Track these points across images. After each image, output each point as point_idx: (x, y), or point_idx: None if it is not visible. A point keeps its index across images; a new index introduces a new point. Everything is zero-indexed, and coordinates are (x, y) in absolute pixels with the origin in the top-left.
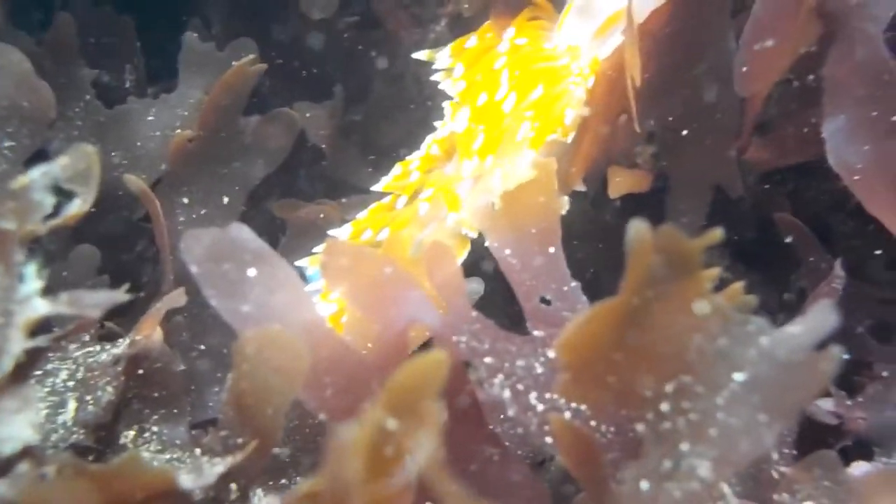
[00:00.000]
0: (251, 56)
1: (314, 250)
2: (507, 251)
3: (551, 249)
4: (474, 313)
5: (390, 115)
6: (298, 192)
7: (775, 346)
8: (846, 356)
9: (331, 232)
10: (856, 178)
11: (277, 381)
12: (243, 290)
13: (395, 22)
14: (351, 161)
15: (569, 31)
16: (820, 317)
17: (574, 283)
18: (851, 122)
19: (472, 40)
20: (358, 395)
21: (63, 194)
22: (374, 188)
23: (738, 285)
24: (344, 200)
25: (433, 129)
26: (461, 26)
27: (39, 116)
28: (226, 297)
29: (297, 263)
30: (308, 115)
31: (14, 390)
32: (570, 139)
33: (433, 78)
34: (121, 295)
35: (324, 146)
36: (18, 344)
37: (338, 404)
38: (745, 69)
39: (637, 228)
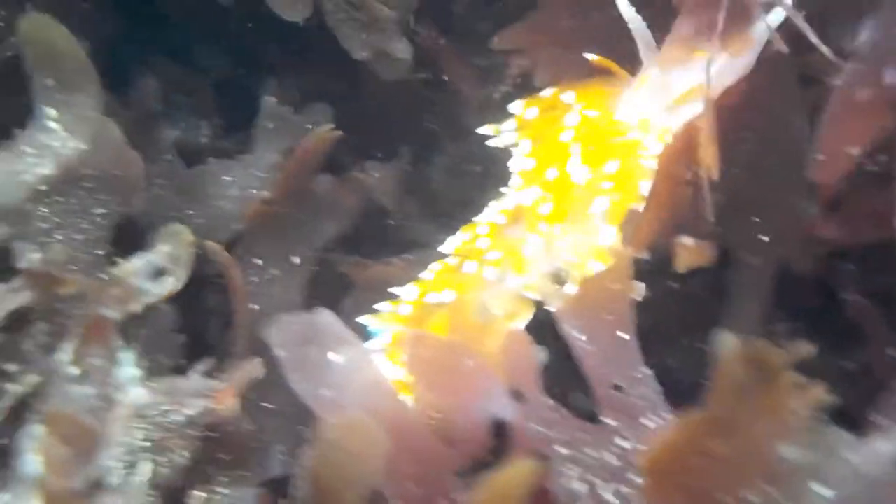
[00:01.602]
0: (328, 126)
1: (376, 307)
2: (581, 337)
3: (625, 336)
4: (549, 402)
5: (456, 174)
6: (364, 251)
7: (864, 462)
8: None
9: (395, 290)
10: None
11: (356, 468)
12: (325, 374)
13: (462, 81)
14: (415, 220)
15: (641, 103)
16: None
17: (647, 371)
18: None
19: (532, 111)
20: (436, 486)
21: None
22: (441, 249)
23: (820, 386)
24: (410, 258)
25: (498, 187)
26: (528, 86)
27: (130, 186)
28: (309, 382)
29: (360, 320)
30: (377, 175)
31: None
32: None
33: (499, 144)
34: (216, 384)
35: (390, 206)
36: (121, 431)
37: (415, 494)
38: (819, 156)
39: (725, 338)
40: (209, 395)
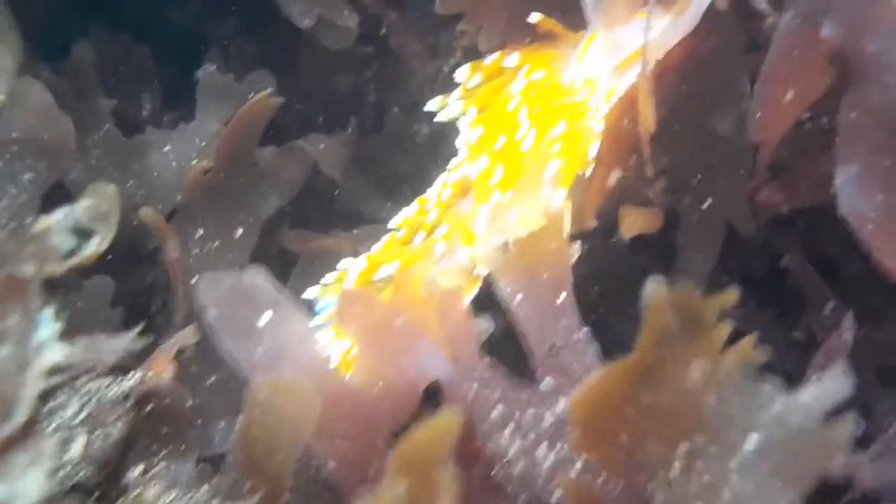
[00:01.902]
0: (268, 90)
1: (323, 281)
2: (518, 297)
3: (562, 296)
4: (484, 360)
5: (404, 147)
6: (310, 223)
7: (790, 412)
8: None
9: (342, 262)
10: (868, 227)
11: (288, 429)
12: (256, 336)
13: (410, 54)
14: (363, 193)
15: (588, 63)
16: (834, 382)
17: (584, 331)
18: (864, 170)
19: (476, 77)
20: (368, 444)
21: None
22: (391, 224)
23: (751, 338)
24: (356, 231)
25: (447, 160)
26: (476, 58)
27: (60, 149)
28: (239, 343)
29: (307, 294)
30: (322, 146)
31: (27, 442)
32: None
33: (446, 118)
34: (137, 340)
35: (336, 178)
36: (33, 390)
37: (348, 453)
38: (758, 115)
39: (653, 286)
40: (133, 353)
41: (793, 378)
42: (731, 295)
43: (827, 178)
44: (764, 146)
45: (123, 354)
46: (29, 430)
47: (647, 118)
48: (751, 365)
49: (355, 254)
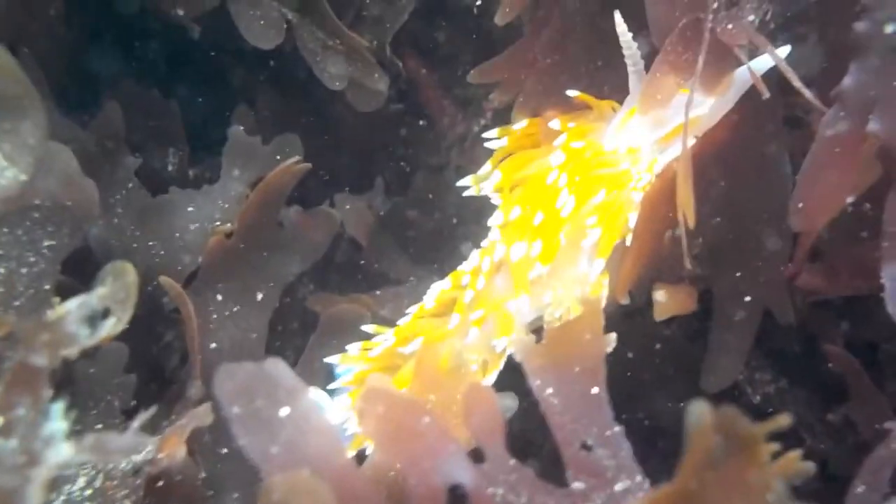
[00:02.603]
0: (296, 157)
1: (347, 349)
2: (549, 391)
3: (594, 391)
4: (512, 462)
5: (430, 207)
6: (333, 283)
7: None
8: None
9: (366, 327)
10: None
11: None
12: (273, 431)
13: (439, 113)
14: (387, 253)
15: (630, 133)
16: None
17: (617, 428)
18: None
19: (503, 141)
20: None
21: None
22: (426, 303)
23: (795, 455)
24: (378, 293)
25: (475, 222)
26: (507, 118)
27: (82, 216)
28: (255, 438)
29: (328, 360)
30: (347, 206)
31: None
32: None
33: (484, 193)
34: (148, 440)
35: (361, 240)
36: (39, 489)
37: None
38: (800, 205)
39: (697, 409)
40: (141, 450)
41: (827, 462)
42: (782, 420)
43: (870, 268)
44: (805, 236)
45: (132, 454)
46: None
47: (686, 207)
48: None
49: (377, 317)
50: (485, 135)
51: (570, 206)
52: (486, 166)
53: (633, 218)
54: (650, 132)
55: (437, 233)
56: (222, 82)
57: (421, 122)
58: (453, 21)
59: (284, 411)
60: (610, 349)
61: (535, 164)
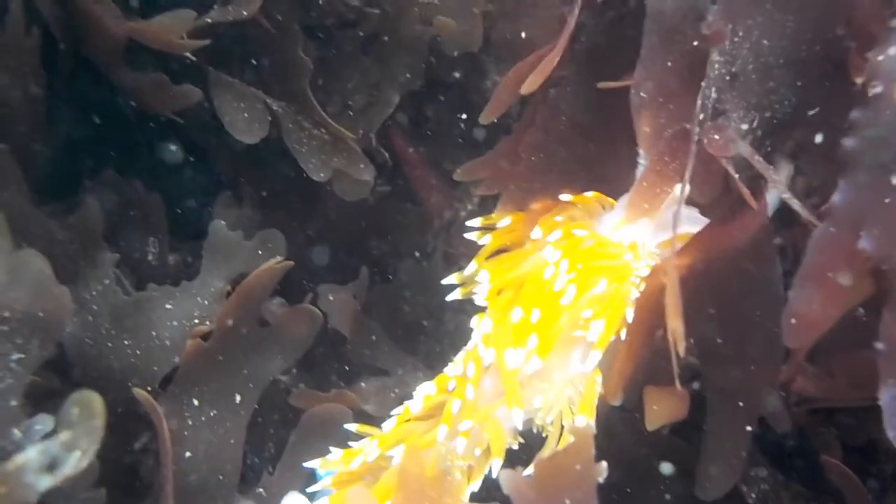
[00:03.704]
0: (278, 258)
1: (328, 457)
2: None
3: None
4: None
5: (417, 296)
6: (317, 373)
7: None
8: None
9: (348, 426)
10: None
11: None
12: None
13: (427, 194)
14: (372, 343)
15: (636, 231)
16: None
17: None
18: None
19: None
20: None
21: None
22: (413, 410)
23: None
24: (363, 385)
25: (462, 311)
26: (493, 206)
27: (54, 326)
28: None
29: (308, 464)
30: (331, 297)
31: None
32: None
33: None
34: None
35: (346, 332)
36: None
37: None
38: (793, 321)
39: None
40: None
41: None
42: None
43: (866, 376)
44: (798, 350)
45: None
46: None
47: (676, 332)
48: None
49: (360, 414)
50: (468, 223)
51: (570, 294)
52: (472, 265)
53: (629, 313)
54: (651, 235)
55: (423, 321)
56: (204, 164)
57: (407, 206)
58: (442, 94)
59: None
60: (601, 479)
61: (528, 262)
